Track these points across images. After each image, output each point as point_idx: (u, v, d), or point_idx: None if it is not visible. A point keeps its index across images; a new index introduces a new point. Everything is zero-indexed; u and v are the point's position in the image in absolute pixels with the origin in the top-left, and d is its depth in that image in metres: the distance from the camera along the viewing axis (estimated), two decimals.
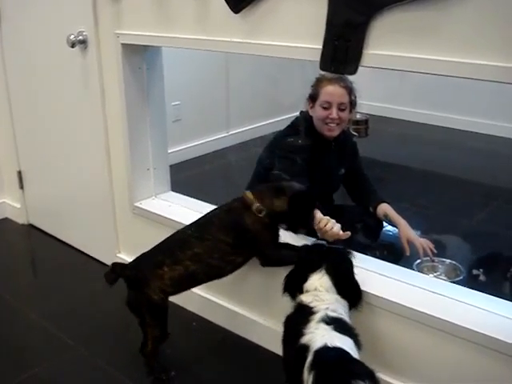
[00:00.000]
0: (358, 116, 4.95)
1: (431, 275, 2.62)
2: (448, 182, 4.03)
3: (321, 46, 1.70)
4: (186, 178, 4.02)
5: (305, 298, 1.66)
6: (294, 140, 2.53)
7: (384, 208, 2.66)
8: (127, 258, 2.71)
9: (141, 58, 2.41)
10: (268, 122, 4.77)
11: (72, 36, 2.44)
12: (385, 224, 2.73)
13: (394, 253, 2.67)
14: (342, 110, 2.49)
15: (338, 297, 1.67)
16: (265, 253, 1.97)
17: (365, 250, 2.57)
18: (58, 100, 2.79)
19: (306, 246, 1.88)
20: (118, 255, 2.77)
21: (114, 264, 2.02)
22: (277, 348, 1.78)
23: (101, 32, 2.41)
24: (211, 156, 4.44)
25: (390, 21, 1.57)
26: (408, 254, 2.54)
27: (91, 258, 2.94)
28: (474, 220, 3.38)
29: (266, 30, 1.84)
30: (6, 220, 3.40)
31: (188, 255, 1.92)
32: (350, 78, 2.37)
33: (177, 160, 4.03)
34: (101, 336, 2.34)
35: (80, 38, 2.46)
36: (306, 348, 1.48)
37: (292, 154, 2.45)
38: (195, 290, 2.16)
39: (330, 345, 1.44)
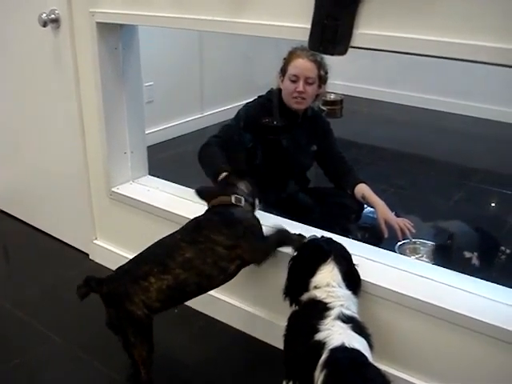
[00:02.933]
0: (333, 96, 4.94)
1: (413, 257, 2.61)
2: (423, 163, 4.04)
3: (309, 26, 1.64)
4: (160, 160, 3.90)
5: (318, 293, 1.55)
6: (251, 109, 2.56)
7: (361, 188, 2.62)
8: (104, 244, 2.65)
9: (116, 37, 2.31)
10: (243, 102, 4.62)
11: (44, 15, 2.33)
12: (366, 206, 2.71)
13: (375, 235, 2.65)
14: (310, 84, 2.47)
15: (349, 292, 1.58)
16: (258, 245, 1.83)
17: (346, 232, 2.57)
18: (29, 82, 2.67)
19: (308, 241, 1.78)
20: (94, 242, 2.70)
21: (88, 278, 1.74)
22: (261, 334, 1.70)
23: (74, 10, 2.29)
24: (186, 138, 4.36)
25: None
26: (386, 235, 2.52)
27: (66, 244, 2.85)
28: (451, 200, 3.39)
29: (252, 8, 1.77)
30: None
31: (178, 262, 1.72)
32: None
33: (150, 142, 3.91)
34: (77, 324, 2.28)
35: (52, 16, 2.35)
36: (321, 345, 1.39)
37: (239, 121, 2.51)
38: None
39: (347, 345, 1.37)
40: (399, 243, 2.60)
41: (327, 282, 1.56)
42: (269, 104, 2.56)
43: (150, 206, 2.34)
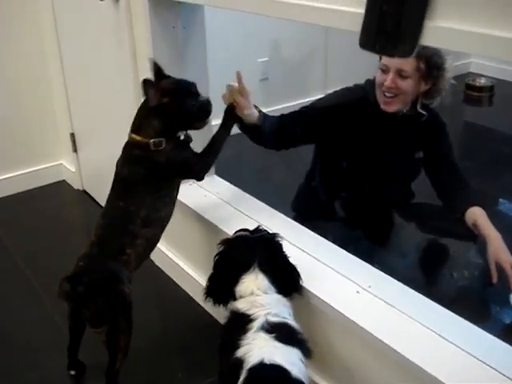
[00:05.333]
0: (483, 81, 4.19)
1: None
2: None
3: (363, 11, 1.14)
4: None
5: (240, 305, 1.42)
6: (335, 97, 2.09)
7: (474, 213, 2.03)
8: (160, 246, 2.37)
9: (174, 14, 1.96)
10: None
11: None
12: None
13: (487, 276, 2.06)
14: (403, 78, 1.91)
15: (279, 296, 1.45)
16: (195, 172, 1.78)
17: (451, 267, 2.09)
18: (97, 61, 2.46)
19: (228, 241, 1.57)
20: None
21: (69, 277, 1.59)
22: None
23: None
24: None
25: None
26: (495, 280, 1.93)
27: None
28: None
29: None
30: (63, 183, 3.18)
31: (140, 223, 1.64)
32: None
33: None
34: None
35: None
36: (240, 363, 1.28)
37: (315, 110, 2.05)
38: None
39: (267, 361, 1.25)
40: None
41: (251, 290, 1.43)
42: (360, 95, 2.05)
43: (200, 217, 1.99)
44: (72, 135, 2.96)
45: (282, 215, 1.97)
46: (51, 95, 2.98)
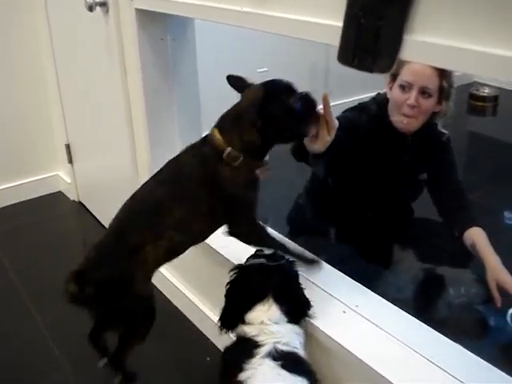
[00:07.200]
0: (487, 90, 4.13)
1: None
2: None
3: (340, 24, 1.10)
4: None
5: (249, 329, 1.36)
6: (354, 117, 1.93)
7: (473, 234, 1.99)
8: None
9: (163, 26, 1.92)
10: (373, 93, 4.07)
11: None
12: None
13: (484, 293, 2.00)
14: (426, 97, 1.86)
15: (290, 326, 1.38)
16: (246, 222, 1.45)
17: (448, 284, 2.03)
18: (90, 74, 2.44)
19: (242, 268, 1.47)
20: None
21: (73, 273, 1.39)
22: None
23: None
24: None
25: None
26: (499, 305, 1.88)
27: None
28: None
29: None
30: (59, 194, 3.17)
31: (170, 223, 1.38)
32: None
33: None
34: None
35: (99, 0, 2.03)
36: None
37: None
38: None
39: None
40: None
41: (261, 320, 1.37)
42: (370, 114, 1.96)
43: None
44: (67, 146, 2.94)
45: (270, 229, 1.92)
46: (47, 107, 2.97)
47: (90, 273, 1.39)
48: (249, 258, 1.51)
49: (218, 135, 1.37)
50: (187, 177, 1.40)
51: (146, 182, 1.46)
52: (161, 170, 1.46)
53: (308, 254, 1.59)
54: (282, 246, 1.51)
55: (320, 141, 1.44)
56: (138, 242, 1.38)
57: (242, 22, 1.39)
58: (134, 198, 1.45)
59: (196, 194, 1.39)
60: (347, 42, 1.10)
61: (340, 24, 1.11)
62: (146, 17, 1.88)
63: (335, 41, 1.12)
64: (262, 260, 1.47)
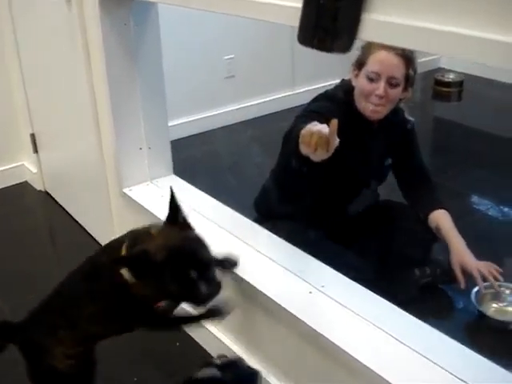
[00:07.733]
0: (451, 76, 4.18)
1: (494, 305, 2.01)
2: None
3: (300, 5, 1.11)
4: (237, 143, 3.54)
5: None
6: (322, 105, 1.94)
7: (438, 217, 2.04)
8: None
9: (126, 11, 1.90)
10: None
11: None
12: None
13: (449, 273, 2.05)
14: (393, 86, 1.88)
15: None
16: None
17: (413, 265, 2.08)
18: (53, 62, 2.40)
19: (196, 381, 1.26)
20: None
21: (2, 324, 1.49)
22: None
23: None
24: (271, 117, 3.87)
25: None
26: (463, 286, 1.95)
27: (93, 239, 2.56)
28: None
29: None
30: (25, 184, 3.10)
31: (84, 315, 1.41)
32: None
33: (230, 122, 3.68)
34: None
35: None
36: None
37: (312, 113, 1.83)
38: None
39: None
40: (475, 289, 1.98)
41: None
42: (335, 103, 1.95)
43: (157, 219, 1.94)
44: (32, 136, 2.90)
45: (238, 214, 1.93)
46: (10, 96, 2.91)
47: (19, 328, 1.48)
48: (201, 367, 1.30)
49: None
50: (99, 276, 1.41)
51: (71, 273, 1.48)
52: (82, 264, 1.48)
53: (213, 307, 1.40)
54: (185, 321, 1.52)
55: (317, 156, 1.46)
56: (53, 324, 1.44)
57: (204, 5, 1.38)
58: (64, 280, 1.49)
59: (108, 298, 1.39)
60: (307, 23, 1.11)
61: (299, 5, 1.11)
62: (109, 1, 1.86)
63: (296, 22, 1.12)
64: (215, 371, 1.27)
